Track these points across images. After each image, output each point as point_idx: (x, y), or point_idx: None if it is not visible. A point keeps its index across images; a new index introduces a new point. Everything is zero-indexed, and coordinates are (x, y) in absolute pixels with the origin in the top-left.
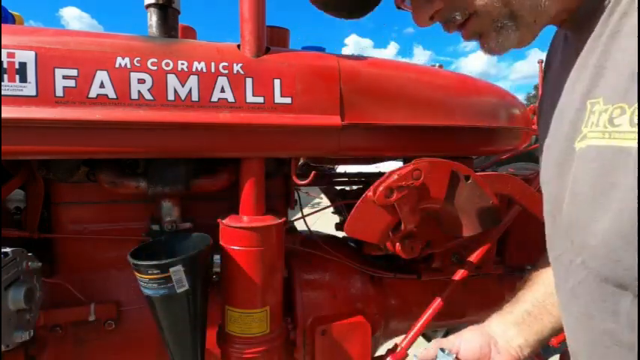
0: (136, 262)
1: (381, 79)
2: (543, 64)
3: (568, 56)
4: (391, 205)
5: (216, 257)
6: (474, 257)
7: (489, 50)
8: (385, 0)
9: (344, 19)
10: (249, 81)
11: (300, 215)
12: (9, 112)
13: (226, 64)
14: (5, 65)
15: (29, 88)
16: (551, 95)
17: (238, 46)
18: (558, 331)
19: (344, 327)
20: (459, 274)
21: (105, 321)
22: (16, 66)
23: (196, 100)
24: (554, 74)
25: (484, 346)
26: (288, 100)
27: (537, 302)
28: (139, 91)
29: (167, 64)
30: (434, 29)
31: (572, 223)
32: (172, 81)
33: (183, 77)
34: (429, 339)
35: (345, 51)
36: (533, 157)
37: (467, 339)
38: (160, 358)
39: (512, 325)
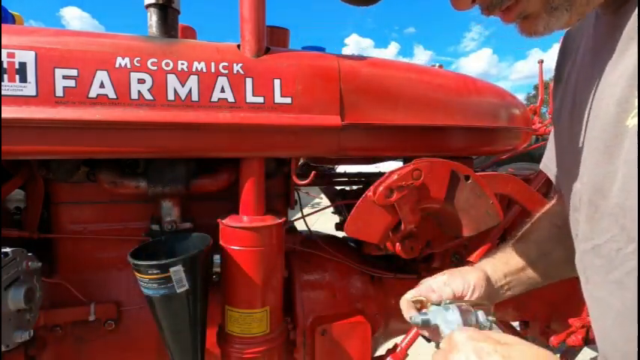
0: (136, 262)
1: (381, 79)
2: (558, 50)
3: (604, 36)
4: (391, 205)
5: (216, 257)
6: (473, 257)
7: (533, 32)
8: (390, 1)
9: (357, 6)
10: (249, 81)
11: (300, 215)
12: (9, 112)
13: (226, 64)
14: (5, 65)
15: (29, 88)
16: (579, 80)
17: (238, 46)
18: (541, 284)
19: (344, 327)
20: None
21: (105, 321)
22: (16, 66)
23: (196, 100)
24: (585, 57)
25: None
26: (288, 100)
27: (530, 260)
28: (139, 91)
29: (167, 64)
30: (434, 29)
31: (626, 208)
32: (172, 81)
33: (183, 77)
34: (428, 339)
35: (346, 51)
36: (533, 157)
37: (471, 282)
38: (160, 358)
39: (503, 275)
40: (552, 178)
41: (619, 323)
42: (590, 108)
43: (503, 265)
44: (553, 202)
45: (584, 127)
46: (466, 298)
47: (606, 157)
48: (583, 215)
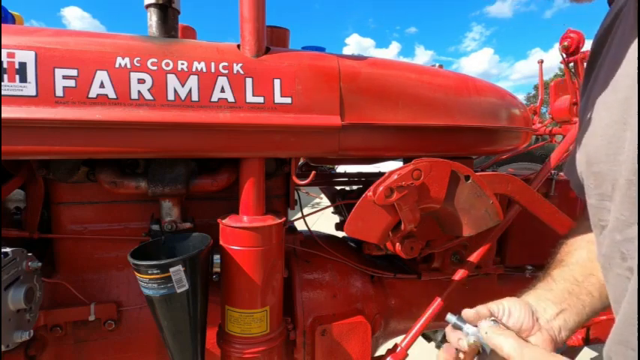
0: (136, 262)
1: (381, 79)
2: (593, 38)
3: None
4: (391, 205)
5: (216, 257)
6: (474, 257)
7: None
8: (390, 1)
9: None
10: (249, 81)
11: (300, 215)
12: (9, 112)
13: (226, 64)
14: (5, 65)
15: (29, 88)
16: (615, 62)
17: (238, 46)
18: (594, 314)
19: (344, 327)
20: (459, 274)
21: (105, 321)
22: (16, 66)
23: (196, 100)
24: (621, 41)
25: (527, 320)
26: (288, 100)
27: (577, 282)
28: (139, 91)
29: (167, 64)
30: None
31: None
32: (172, 81)
33: (183, 77)
34: (429, 339)
35: (347, 51)
36: (533, 157)
37: (510, 308)
38: (160, 358)
39: (552, 303)
40: (574, 178)
41: None
42: (630, 86)
43: (547, 292)
44: (582, 221)
45: (616, 106)
46: (503, 321)
47: None
48: (618, 200)
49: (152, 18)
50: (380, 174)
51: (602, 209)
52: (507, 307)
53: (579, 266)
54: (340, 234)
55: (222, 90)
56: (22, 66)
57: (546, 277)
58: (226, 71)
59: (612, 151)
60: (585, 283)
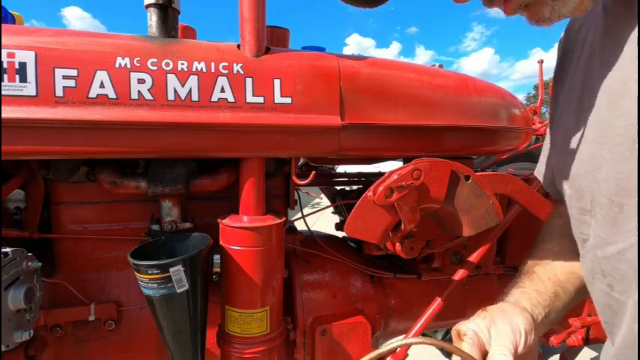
0: (136, 262)
1: (381, 79)
2: (559, 43)
3: (616, 28)
4: (391, 205)
5: (216, 257)
6: (474, 257)
7: (540, 20)
8: (391, 1)
9: (362, 8)
10: (249, 81)
11: (300, 215)
12: (9, 112)
13: (226, 64)
14: (5, 65)
15: (29, 88)
16: (588, 76)
17: (238, 46)
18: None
19: (344, 327)
20: (459, 274)
21: (105, 321)
22: (16, 66)
23: (196, 100)
24: (593, 50)
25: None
26: (288, 100)
27: (560, 283)
28: (139, 91)
29: (167, 64)
30: (436, 29)
31: None
32: (172, 81)
33: (183, 77)
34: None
35: (347, 51)
36: (533, 157)
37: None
38: (160, 358)
39: (542, 308)
40: (544, 180)
41: None
42: (610, 101)
43: (537, 295)
44: (555, 209)
45: (594, 124)
46: (519, 349)
47: (633, 152)
48: (599, 217)
49: (152, 18)
50: (380, 174)
51: (583, 223)
52: (521, 329)
53: (560, 265)
54: (340, 234)
55: (222, 90)
56: (22, 66)
57: (531, 273)
58: (226, 71)
59: (592, 168)
60: (567, 284)
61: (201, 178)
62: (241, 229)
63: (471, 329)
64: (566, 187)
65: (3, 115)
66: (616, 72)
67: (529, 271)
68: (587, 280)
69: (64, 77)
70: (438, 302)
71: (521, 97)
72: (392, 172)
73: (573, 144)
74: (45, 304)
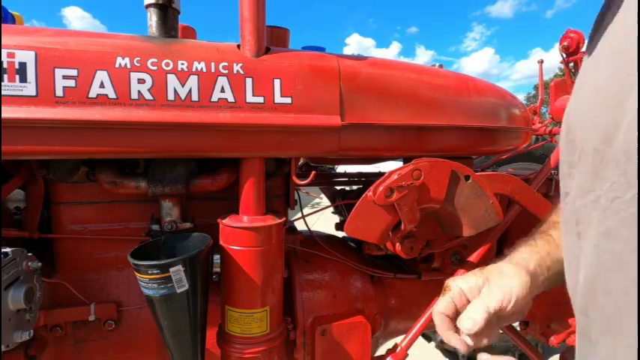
0: (136, 262)
1: (381, 79)
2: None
3: None
4: (391, 205)
5: (216, 257)
6: (474, 257)
7: None
8: (391, 0)
9: None
10: (249, 81)
11: (300, 215)
12: (9, 112)
13: (226, 64)
14: (5, 65)
15: (29, 88)
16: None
17: (238, 46)
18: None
19: (344, 327)
20: (459, 274)
21: (105, 321)
22: (16, 66)
23: (196, 100)
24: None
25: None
26: (288, 100)
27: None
28: (139, 91)
29: (167, 64)
30: (437, 29)
31: (631, 152)
32: (172, 81)
33: (183, 77)
34: (429, 339)
35: (347, 51)
36: (533, 157)
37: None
38: (160, 358)
39: (546, 268)
40: None
41: (606, 276)
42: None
43: (547, 255)
44: None
45: (593, 74)
46: (507, 310)
47: (616, 102)
48: (583, 167)
49: (152, 18)
50: (380, 174)
51: (569, 177)
52: (513, 293)
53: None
54: (340, 234)
55: (222, 90)
56: (22, 66)
57: (547, 235)
58: (226, 71)
59: (587, 118)
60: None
61: (201, 178)
62: (241, 229)
63: (457, 286)
64: (561, 145)
65: (3, 115)
66: (616, 24)
67: (545, 232)
68: (562, 233)
69: (64, 77)
70: None
71: (521, 97)
72: (392, 172)
73: (583, 95)
74: (45, 304)
